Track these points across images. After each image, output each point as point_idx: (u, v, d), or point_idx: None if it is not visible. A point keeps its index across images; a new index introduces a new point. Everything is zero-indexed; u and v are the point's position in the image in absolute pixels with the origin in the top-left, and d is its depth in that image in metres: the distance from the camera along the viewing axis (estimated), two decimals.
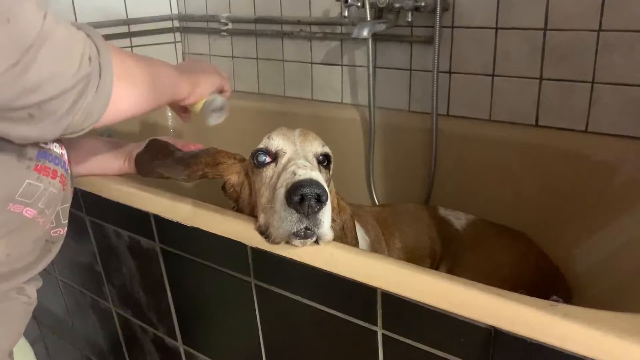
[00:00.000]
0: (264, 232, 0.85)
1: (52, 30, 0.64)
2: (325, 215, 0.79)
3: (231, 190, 1.03)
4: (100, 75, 0.69)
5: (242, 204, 1.00)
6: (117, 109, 0.74)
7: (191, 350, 1.12)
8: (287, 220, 0.78)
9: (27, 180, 0.76)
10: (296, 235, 0.79)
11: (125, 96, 0.75)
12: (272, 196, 0.84)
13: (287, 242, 0.82)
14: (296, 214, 0.77)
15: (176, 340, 1.14)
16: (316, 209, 0.77)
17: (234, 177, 1.02)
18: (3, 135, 0.67)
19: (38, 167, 0.78)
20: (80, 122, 0.70)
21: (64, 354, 1.57)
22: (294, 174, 0.81)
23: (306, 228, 0.78)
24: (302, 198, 0.76)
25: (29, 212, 0.78)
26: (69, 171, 0.87)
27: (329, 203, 0.79)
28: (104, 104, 0.71)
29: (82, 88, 0.67)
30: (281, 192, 0.79)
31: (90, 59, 0.68)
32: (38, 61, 0.62)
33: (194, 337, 1.11)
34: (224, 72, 1.14)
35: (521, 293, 0.67)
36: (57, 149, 0.83)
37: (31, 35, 0.61)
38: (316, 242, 0.81)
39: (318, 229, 0.79)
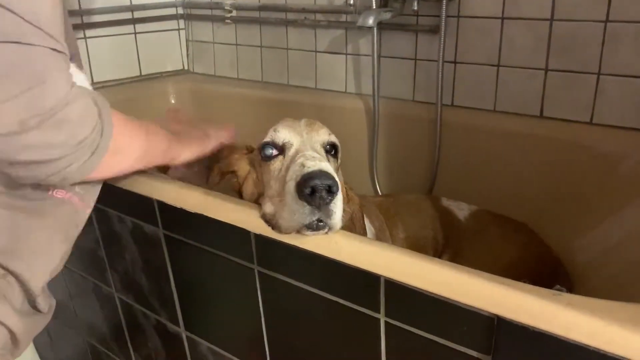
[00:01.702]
0: (269, 221, 0.85)
1: (69, 104, 0.69)
2: (337, 205, 0.78)
3: (235, 180, 1.03)
4: (91, 155, 0.73)
5: (245, 193, 0.99)
6: (103, 174, 0.80)
7: (193, 336, 1.13)
8: (298, 212, 0.77)
9: None
10: (308, 227, 0.78)
11: (113, 167, 0.81)
12: (281, 189, 0.83)
13: (298, 232, 0.81)
14: (308, 207, 0.77)
15: (178, 326, 1.14)
16: (327, 200, 0.77)
17: (241, 170, 1.02)
18: None
19: None
20: (54, 181, 0.74)
21: (67, 340, 1.58)
22: (303, 166, 0.80)
23: (318, 220, 0.77)
24: (313, 190, 0.75)
25: (69, 197, 0.84)
26: None
27: (340, 193, 0.78)
28: (82, 175, 0.75)
29: (69, 162, 0.71)
30: (291, 185, 0.79)
31: (90, 139, 0.72)
32: (42, 128, 0.66)
33: (196, 323, 1.11)
34: (221, 133, 1.13)
35: (524, 282, 0.67)
36: None
37: (47, 105, 0.66)
38: (327, 233, 0.80)
39: (330, 219, 0.78)
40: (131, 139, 0.84)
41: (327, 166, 0.81)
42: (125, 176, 1.04)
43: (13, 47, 0.63)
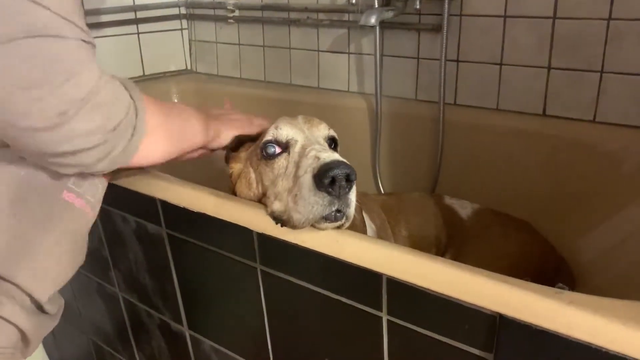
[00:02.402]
0: (279, 218, 0.84)
1: (101, 89, 0.71)
2: (354, 194, 0.79)
3: (231, 176, 1.03)
4: (132, 135, 0.76)
5: (240, 193, 0.99)
6: (144, 158, 0.82)
7: (197, 335, 1.13)
8: (318, 204, 0.77)
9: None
10: (326, 218, 0.78)
11: (153, 149, 0.83)
12: (293, 184, 0.83)
13: (312, 226, 0.81)
14: (328, 197, 0.77)
15: (182, 325, 1.14)
16: (347, 190, 0.77)
17: (237, 166, 1.03)
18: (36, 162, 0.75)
19: None
20: (102, 168, 0.76)
21: (71, 339, 1.58)
22: (317, 158, 0.80)
23: (337, 210, 0.78)
24: (333, 180, 0.76)
25: (78, 202, 0.84)
26: None
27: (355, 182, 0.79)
28: (127, 158, 0.78)
29: (113, 144, 0.74)
30: (307, 178, 0.79)
31: (127, 121, 0.75)
32: (79, 116, 0.68)
33: (199, 322, 1.12)
34: (259, 120, 1.13)
35: (527, 281, 0.67)
36: None
37: (82, 93, 0.68)
38: (343, 224, 0.81)
39: (349, 209, 0.79)
40: (167, 117, 0.86)
41: (340, 157, 0.81)
42: (129, 176, 1.05)
43: (50, 41, 0.65)
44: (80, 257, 0.91)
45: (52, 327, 0.89)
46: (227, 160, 1.07)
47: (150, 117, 0.80)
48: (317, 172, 0.77)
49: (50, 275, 0.83)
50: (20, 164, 0.78)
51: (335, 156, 0.80)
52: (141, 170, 1.05)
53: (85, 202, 0.86)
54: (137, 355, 1.35)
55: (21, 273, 0.79)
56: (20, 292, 0.79)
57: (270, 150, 0.91)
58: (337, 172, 0.76)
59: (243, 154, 1.04)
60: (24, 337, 0.81)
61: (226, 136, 1.05)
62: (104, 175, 0.90)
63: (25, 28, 0.63)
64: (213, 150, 1.07)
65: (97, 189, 0.88)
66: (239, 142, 1.07)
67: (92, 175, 0.87)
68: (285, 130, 0.92)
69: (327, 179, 0.76)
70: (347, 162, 0.78)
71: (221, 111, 1.12)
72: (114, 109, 0.73)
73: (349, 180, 0.77)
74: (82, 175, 0.84)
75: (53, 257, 0.83)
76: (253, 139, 1.05)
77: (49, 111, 0.66)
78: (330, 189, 0.76)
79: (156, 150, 0.84)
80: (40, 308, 0.83)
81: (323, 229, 0.81)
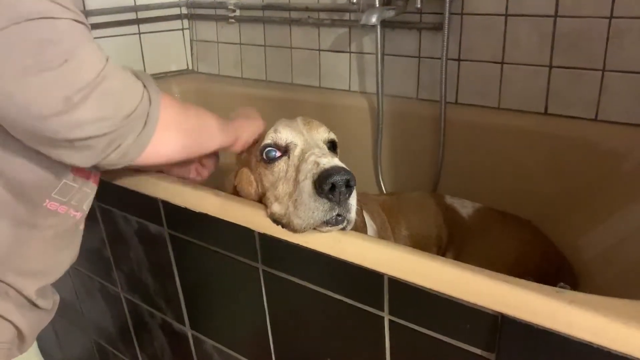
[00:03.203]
0: (278, 221, 0.85)
1: (109, 76, 0.69)
2: (355, 199, 0.80)
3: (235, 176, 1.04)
4: (145, 125, 0.74)
5: (242, 191, 0.99)
6: (157, 154, 0.79)
7: (199, 335, 1.13)
8: (318, 210, 0.77)
9: (64, 180, 0.81)
10: (327, 222, 0.79)
11: (166, 143, 0.80)
12: (293, 188, 0.83)
13: (314, 229, 0.81)
14: (328, 203, 0.77)
15: (184, 325, 1.15)
16: (347, 195, 0.78)
17: (239, 164, 1.03)
18: (44, 153, 0.71)
19: (74, 169, 0.82)
20: (115, 159, 0.74)
21: (73, 339, 1.59)
22: (317, 164, 0.80)
23: (337, 215, 0.78)
24: (333, 186, 0.76)
25: (62, 209, 0.83)
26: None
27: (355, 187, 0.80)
28: (140, 149, 0.75)
29: (124, 133, 0.72)
30: (308, 184, 0.79)
31: (140, 109, 0.73)
32: (88, 103, 0.66)
33: (201, 322, 1.12)
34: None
35: (528, 280, 0.67)
36: None
37: (86, 78, 0.66)
38: (344, 227, 0.81)
39: (349, 214, 0.79)
40: (183, 113, 0.84)
41: (340, 162, 0.81)
42: (131, 176, 1.05)
43: (38, 24, 0.63)
44: (72, 253, 0.91)
45: (47, 322, 0.90)
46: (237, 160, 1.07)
47: (164, 109, 0.77)
48: (317, 178, 0.78)
49: (38, 272, 0.84)
50: (2, 169, 0.75)
51: (335, 161, 0.80)
52: (143, 170, 1.05)
53: (70, 207, 0.85)
54: (139, 355, 1.35)
55: (9, 271, 0.79)
56: (12, 289, 0.79)
57: (271, 154, 0.91)
58: (337, 178, 0.76)
59: (238, 156, 1.04)
60: (20, 334, 0.81)
61: (248, 138, 1.02)
62: (93, 179, 0.88)
63: (9, 15, 0.61)
64: (240, 153, 1.04)
65: (83, 195, 0.86)
66: None
67: (88, 179, 0.86)
68: (284, 134, 0.92)
69: (327, 186, 0.76)
70: (347, 168, 0.78)
71: (238, 112, 1.09)
72: (125, 97, 0.72)
73: (348, 186, 0.77)
74: (67, 184, 0.82)
75: (40, 255, 0.83)
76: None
77: (53, 97, 0.64)
78: (330, 195, 0.77)
79: (168, 145, 0.81)
80: (33, 304, 0.83)
81: (324, 232, 0.81)
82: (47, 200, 0.80)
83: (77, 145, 0.69)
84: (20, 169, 0.75)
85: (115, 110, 0.70)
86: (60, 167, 0.79)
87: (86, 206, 0.89)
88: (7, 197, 0.77)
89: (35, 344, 0.98)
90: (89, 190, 0.87)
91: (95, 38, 0.72)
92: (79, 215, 0.88)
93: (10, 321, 0.79)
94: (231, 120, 1.00)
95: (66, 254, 0.91)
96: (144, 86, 0.75)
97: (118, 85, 0.71)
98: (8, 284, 0.79)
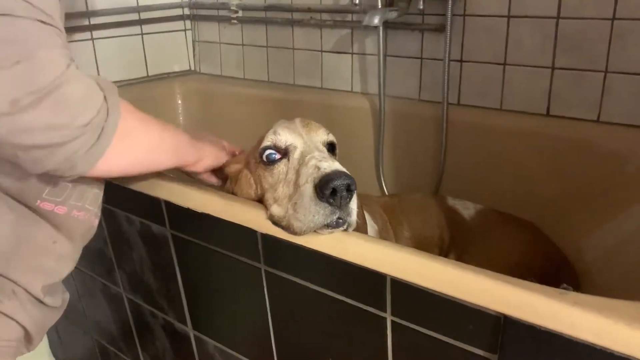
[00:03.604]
0: (278, 223, 0.85)
1: (66, 83, 0.65)
2: (355, 203, 0.80)
3: (230, 176, 1.04)
4: (98, 138, 0.70)
5: (241, 193, 0.99)
6: (109, 168, 0.75)
7: (201, 335, 1.13)
8: (319, 214, 0.77)
9: (55, 180, 0.79)
10: (328, 226, 0.79)
11: (122, 156, 0.76)
12: (293, 191, 0.83)
13: (315, 232, 0.81)
14: (329, 207, 0.77)
15: (186, 325, 1.15)
16: (348, 200, 0.78)
17: (235, 167, 1.03)
18: None
19: None
20: (64, 170, 0.70)
21: (75, 339, 1.59)
22: (318, 168, 0.80)
23: (338, 218, 0.78)
24: (334, 191, 0.76)
25: (60, 209, 0.81)
26: None
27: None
28: (91, 163, 0.71)
29: (75, 145, 0.67)
30: (309, 188, 0.79)
31: (96, 121, 0.69)
32: (39, 108, 0.62)
33: (203, 323, 1.12)
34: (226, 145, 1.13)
35: (531, 281, 0.67)
36: None
37: (40, 82, 0.62)
38: (345, 229, 0.81)
39: (350, 217, 0.79)
40: (141, 125, 0.80)
41: (340, 165, 0.81)
42: (134, 177, 1.05)
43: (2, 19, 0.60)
44: (76, 253, 0.91)
45: (56, 320, 0.89)
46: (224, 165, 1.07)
47: (123, 122, 0.73)
48: (318, 182, 0.78)
49: (42, 270, 0.83)
50: None
51: (336, 166, 0.80)
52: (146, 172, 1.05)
53: (70, 207, 0.83)
54: (141, 356, 1.35)
55: (15, 268, 0.79)
56: (19, 287, 0.79)
57: (271, 157, 0.91)
58: (338, 183, 0.76)
59: (241, 155, 1.04)
60: (27, 333, 0.81)
61: (211, 162, 1.02)
62: (97, 177, 0.87)
63: None
64: (188, 174, 1.04)
65: (82, 192, 0.85)
66: None
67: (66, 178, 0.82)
68: (284, 136, 0.91)
69: (328, 190, 0.76)
70: (347, 172, 0.79)
71: (202, 133, 1.08)
72: (82, 106, 0.67)
73: (349, 190, 0.77)
74: (60, 184, 0.80)
75: (42, 254, 0.82)
76: None
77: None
78: (331, 200, 0.77)
79: (122, 160, 0.77)
80: (40, 302, 0.83)
81: (325, 235, 0.81)
82: (39, 201, 0.79)
83: (20, 156, 0.66)
84: (13, 168, 0.73)
85: (69, 121, 0.66)
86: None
87: (90, 204, 0.87)
88: (9, 199, 0.77)
89: (46, 342, 0.99)
90: (87, 187, 0.85)
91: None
92: (82, 215, 0.86)
93: (15, 320, 0.79)
94: (197, 140, 0.99)
95: (75, 254, 0.90)
96: (104, 97, 0.71)
97: (76, 93, 0.67)
98: (14, 282, 0.78)
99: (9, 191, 0.76)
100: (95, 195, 0.89)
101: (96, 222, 0.92)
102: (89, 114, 0.68)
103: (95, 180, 0.88)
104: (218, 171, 1.08)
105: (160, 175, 1.04)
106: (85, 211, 0.87)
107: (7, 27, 0.61)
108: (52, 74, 0.64)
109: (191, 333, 1.15)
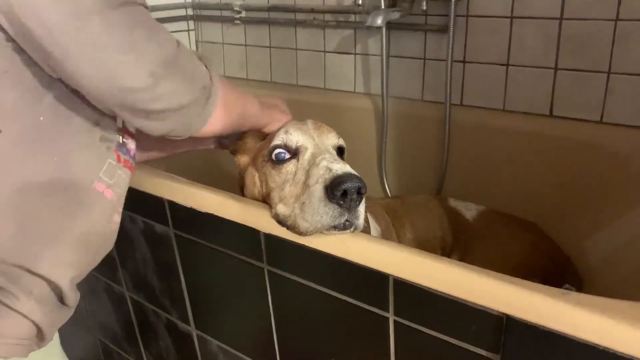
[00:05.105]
0: (283, 222, 0.85)
1: (182, 54, 0.77)
2: (363, 206, 0.80)
3: (239, 168, 1.04)
4: (207, 101, 0.81)
5: (246, 190, 1.00)
6: (211, 127, 0.84)
7: (204, 335, 1.14)
8: (327, 215, 0.78)
9: (109, 160, 0.86)
10: (335, 227, 0.79)
11: (220, 119, 0.85)
12: (301, 191, 0.83)
13: (321, 232, 0.81)
14: (338, 209, 0.77)
15: (189, 324, 1.15)
16: (357, 202, 0.78)
17: (244, 159, 1.03)
18: (123, 119, 0.82)
19: (116, 150, 0.87)
20: (180, 131, 0.81)
21: (78, 338, 1.59)
22: (329, 169, 0.80)
23: (346, 220, 0.78)
24: (345, 192, 0.76)
25: (109, 193, 0.86)
26: (135, 158, 0.95)
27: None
28: (202, 122, 0.82)
29: (193, 107, 0.79)
30: (319, 189, 0.79)
31: (205, 87, 0.80)
32: (169, 77, 0.74)
33: (206, 322, 1.12)
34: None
35: (533, 282, 0.67)
36: (131, 144, 0.93)
37: (165, 55, 0.74)
38: (352, 231, 0.81)
39: (358, 220, 0.79)
40: (233, 91, 0.89)
41: (351, 169, 0.81)
42: (137, 176, 1.05)
43: (127, 8, 0.70)
44: (108, 245, 0.93)
45: (67, 319, 0.90)
46: (233, 152, 1.07)
47: (222, 87, 0.84)
48: (329, 183, 0.78)
49: (74, 263, 0.84)
50: (52, 152, 0.79)
51: (347, 168, 0.80)
52: (148, 170, 1.06)
53: (114, 193, 0.88)
54: (144, 355, 1.36)
55: (44, 262, 0.79)
56: (41, 282, 0.80)
57: (281, 156, 0.91)
58: (349, 185, 0.76)
59: (250, 145, 1.04)
60: (39, 331, 0.82)
61: (271, 128, 1.04)
62: (126, 165, 0.91)
63: (109, 2, 0.68)
64: (266, 134, 1.06)
65: (124, 181, 0.90)
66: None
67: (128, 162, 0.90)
68: (295, 136, 0.92)
69: (339, 192, 0.76)
70: (358, 175, 0.79)
71: (270, 100, 1.13)
72: (196, 73, 0.79)
73: (359, 193, 0.78)
74: (113, 166, 0.87)
75: (79, 246, 0.84)
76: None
77: (141, 72, 0.71)
78: (341, 202, 0.77)
79: (222, 120, 0.86)
80: (61, 299, 0.84)
81: (326, 235, 0.81)
82: (96, 182, 0.84)
83: (152, 117, 0.75)
84: (72, 146, 0.80)
85: (189, 85, 0.77)
86: (104, 146, 0.85)
87: (123, 195, 0.92)
88: (57, 184, 0.79)
89: (57, 340, 0.99)
90: (124, 175, 0.90)
91: None
92: (117, 204, 0.90)
93: (30, 319, 0.79)
94: (268, 107, 1.04)
95: (107, 246, 0.93)
96: (206, 66, 0.82)
97: (189, 62, 0.78)
98: (39, 275, 0.79)
99: (71, 170, 0.81)
100: (126, 187, 0.92)
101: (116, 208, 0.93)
102: (201, 79, 0.80)
103: (130, 171, 0.93)
104: None
105: (163, 174, 1.04)
106: (120, 202, 0.91)
107: (133, 14, 0.71)
108: (171, 47, 0.75)
109: (194, 333, 1.15)
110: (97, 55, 0.69)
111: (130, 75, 0.71)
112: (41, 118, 0.77)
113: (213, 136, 0.95)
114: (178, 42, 0.78)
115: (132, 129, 0.92)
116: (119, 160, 0.88)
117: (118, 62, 0.70)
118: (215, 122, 0.84)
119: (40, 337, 0.83)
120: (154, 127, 0.78)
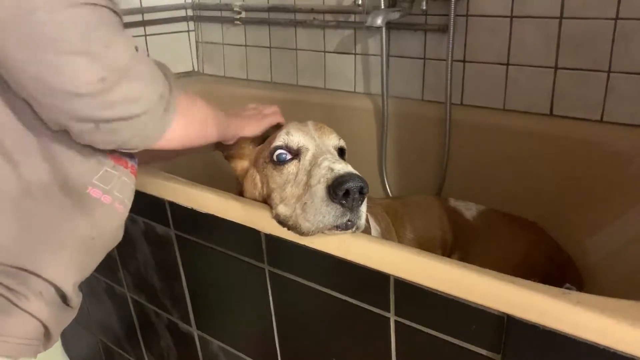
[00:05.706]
0: (284, 223, 0.85)
1: (140, 62, 0.75)
2: (365, 206, 0.80)
3: (236, 174, 1.04)
4: (164, 110, 0.78)
5: (246, 192, 1.00)
6: (170, 139, 0.82)
7: (205, 335, 1.14)
8: (329, 215, 0.78)
9: (105, 168, 0.84)
10: (337, 227, 0.79)
11: (180, 131, 0.82)
12: (303, 192, 0.83)
13: (322, 232, 0.81)
14: (340, 208, 0.78)
15: (190, 325, 1.15)
16: (359, 202, 0.78)
17: (242, 164, 1.03)
18: (67, 129, 0.75)
19: (114, 156, 0.86)
20: (137, 142, 0.78)
21: (80, 339, 1.60)
22: (331, 169, 0.80)
23: (347, 220, 0.78)
24: (347, 192, 0.76)
25: (106, 199, 0.85)
26: (137, 162, 0.94)
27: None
28: (160, 133, 0.79)
29: (148, 117, 0.76)
30: (321, 189, 0.79)
31: (162, 96, 0.77)
32: (121, 84, 0.71)
33: (207, 323, 1.12)
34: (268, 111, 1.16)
35: (534, 281, 0.67)
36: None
37: (121, 61, 0.72)
38: (354, 231, 0.81)
39: (359, 220, 0.79)
40: (194, 101, 0.88)
41: (353, 169, 0.81)
42: (138, 177, 1.06)
43: (88, 9, 0.68)
44: (111, 247, 0.93)
45: (71, 320, 0.91)
46: (228, 158, 1.07)
47: (182, 96, 0.82)
48: (331, 183, 0.78)
49: (78, 267, 0.85)
50: (46, 157, 0.79)
51: (349, 168, 0.80)
52: (149, 171, 1.06)
53: (113, 198, 0.86)
54: (145, 356, 1.36)
55: (49, 265, 0.80)
56: (47, 285, 0.80)
57: (282, 157, 0.91)
58: (352, 184, 0.76)
59: (247, 150, 1.04)
60: (47, 332, 0.82)
61: (245, 133, 1.04)
62: (131, 169, 0.91)
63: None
64: (226, 146, 1.06)
65: (124, 185, 0.89)
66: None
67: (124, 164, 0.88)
68: (296, 137, 0.92)
69: (341, 191, 0.76)
70: (360, 175, 0.79)
71: (236, 110, 1.13)
72: (152, 82, 0.76)
73: (361, 193, 0.78)
74: (108, 172, 0.85)
75: (83, 250, 0.84)
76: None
77: (91, 77, 0.68)
78: (343, 201, 0.77)
79: (181, 132, 0.83)
80: (65, 300, 0.84)
81: (326, 235, 0.81)
82: (89, 187, 0.83)
83: (102, 127, 0.72)
84: (67, 152, 0.79)
85: (145, 93, 0.74)
86: (101, 154, 0.83)
87: (128, 200, 0.90)
88: (54, 188, 0.79)
89: (59, 341, 1.00)
90: (127, 180, 0.89)
91: None
92: (122, 209, 0.89)
93: (39, 320, 0.80)
94: (235, 117, 1.03)
95: (107, 249, 0.92)
96: (165, 75, 0.80)
97: (147, 70, 0.76)
98: (44, 279, 0.79)
99: (64, 175, 0.80)
100: (131, 192, 0.92)
101: (125, 215, 0.93)
102: (159, 88, 0.77)
103: (134, 176, 0.92)
104: None
105: (164, 175, 1.04)
106: (124, 206, 0.89)
107: (94, 15, 0.69)
108: (128, 54, 0.73)
109: (195, 333, 1.15)
110: (40, 55, 0.66)
111: (78, 79, 0.68)
112: (36, 124, 0.76)
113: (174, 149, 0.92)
114: (137, 49, 0.75)
115: None
116: (121, 164, 0.87)
117: (65, 63, 0.67)
118: (175, 133, 0.81)
119: (47, 337, 0.84)
120: (105, 138, 0.75)
